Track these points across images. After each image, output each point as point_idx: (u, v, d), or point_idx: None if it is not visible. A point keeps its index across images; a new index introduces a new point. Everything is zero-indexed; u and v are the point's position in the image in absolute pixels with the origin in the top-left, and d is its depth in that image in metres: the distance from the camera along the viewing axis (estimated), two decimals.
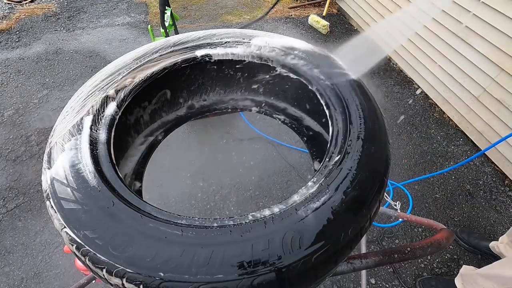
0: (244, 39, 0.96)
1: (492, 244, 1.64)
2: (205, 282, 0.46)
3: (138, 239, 0.50)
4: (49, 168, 0.64)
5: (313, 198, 0.57)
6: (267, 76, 1.01)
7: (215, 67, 1.01)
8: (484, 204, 1.98)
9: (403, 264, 1.69)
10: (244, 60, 0.95)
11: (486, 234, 1.83)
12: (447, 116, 2.55)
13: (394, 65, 3.10)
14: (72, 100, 0.79)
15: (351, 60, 0.90)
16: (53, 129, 0.73)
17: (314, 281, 0.54)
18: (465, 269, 1.47)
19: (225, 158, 2.21)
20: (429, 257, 1.72)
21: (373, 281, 1.62)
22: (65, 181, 0.60)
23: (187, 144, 2.30)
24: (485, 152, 2.24)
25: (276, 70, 0.94)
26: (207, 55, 0.93)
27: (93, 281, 0.92)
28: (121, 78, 0.83)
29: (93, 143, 0.68)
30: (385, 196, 1.97)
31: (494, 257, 1.59)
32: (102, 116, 0.75)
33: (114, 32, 3.48)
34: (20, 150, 2.22)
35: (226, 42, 0.95)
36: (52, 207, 0.59)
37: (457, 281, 1.46)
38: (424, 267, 1.68)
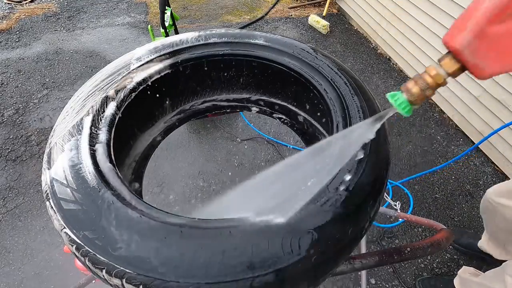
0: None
1: (480, 244, 1.58)
2: (204, 282, 0.46)
3: (137, 239, 0.50)
4: (49, 168, 0.64)
5: (312, 198, 0.57)
6: None
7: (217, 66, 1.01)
8: None
9: (403, 264, 1.69)
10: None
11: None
12: (447, 116, 2.55)
13: (394, 65, 3.10)
14: (72, 100, 0.79)
15: None
16: (53, 129, 0.73)
17: (314, 282, 0.54)
18: (464, 271, 1.46)
19: (225, 158, 2.21)
20: (429, 257, 1.72)
21: (373, 281, 1.62)
22: (65, 182, 0.59)
23: (187, 144, 2.30)
24: (485, 152, 2.24)
25: None
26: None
27: (93, 281, 0.92)
28: (121, 78, 0.83)
29: (93, 144, 0.68)
30: (385, 196, 1.97)
31: (488, 255, 1.55)
32: (102, 117, 0.75)
33: (114, 32, 3.48)
34: (20, 150, 2.22)
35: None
36: (52, 207, 0.59)
37: (456, 282, 1.45)
38: (424, 267, 1.68)
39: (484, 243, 1.52)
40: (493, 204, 1.24)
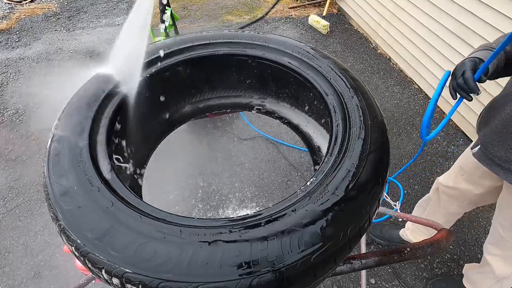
0: None
1: (401, 232, 1.68)
2: (203, 282, 0.46)
3: (137, 239, 0.50)
4: (48, 168, 0.64)
5: (312, 198, 0.57)
6: None
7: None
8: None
9: (403, 264, 1.68)
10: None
11: (486, 234, 1.82)
12: None
13: (394, 65, 3.09)
14: (72, 99, 0.79)
15: None
16: (53, 129, 0.73)
17: (313, 281, 0.54)
18: (466, 267, 1.48)
19: (225, 157, 2.21)
20: (429, 257, 1.72)
21: (373, 281, 1.62)
22: (65, 182, 0.60)
23: (187, 144, 2.30)
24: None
25: None
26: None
27: (93, 281, 0.92)
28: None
29: (93, 143, 0.68)
30: (385, 196, 1.97)
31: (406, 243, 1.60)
32: (102, 117, 0.75)
33: (114, 32, 3.48)
34: (20, 150, 2.22)
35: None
36: (51, 207, 0.59)
37: (464, 280, 1.47)
38: (424, 267, 1.68)
39: (408, 232, 1.63)
40: (441, 188, 1.37)
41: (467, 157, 1.22)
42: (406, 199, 1.97)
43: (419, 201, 1.61)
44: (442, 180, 1.37)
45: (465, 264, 1.50)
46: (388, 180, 2.00)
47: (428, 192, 1.55)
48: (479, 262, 1.66)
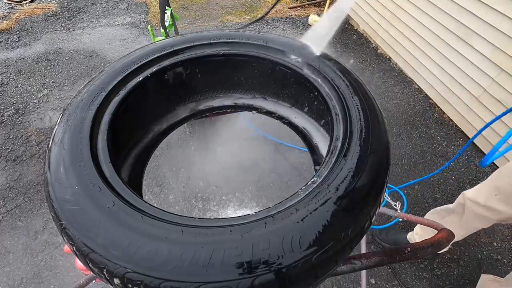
0: None
1: (409, 236, 1.66)
2: (205, 282, 0.46)
3: (138, 239, 0.50)
4: (49, 168, 0.64)
5: (313, 198, 0.57)
6: None
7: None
8: None
9: (403, 265, 1.69)
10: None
11: (486, 234, 1.83)
12: (447, 116, 2.55)
13: (394, 65, 3.10)
14: (74, 99, 0.79)
15: None
16: (53, 129, 0.73)
17: (314, 281, 0.54)
18: (483, 279, 1.44)
19: (225, 157, 2.21)
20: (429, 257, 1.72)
21: (373, 281, 1.62)
22: (65, 181, 0.59)
23: (186, 144, 2.30)
24: (484, 152, 2.24)
25: None
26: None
27: (93, 281, 0.92)
28: (121, 79, 0.83)
29: (93, 143, 0.68)
30: (385, 196, 1.96)
31: None
32: (103, 116, 0.75)
33: (114, 32, 3.48)
34: (20, 150, 2.22)
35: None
36: (52, 207, 0.59)
37: None
38: (424, 267, 1.68)
39: (417, 236, 1.61)
40: (468, 204, 1.29)
41: (505, 179, 1.13)
42: (406, 199, 1.97)
43: (436, 209, 1.54)
44: (471, 196, 1.28)
45: (482, 275, 1.46)
46: (392, 190, 2.01)
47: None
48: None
